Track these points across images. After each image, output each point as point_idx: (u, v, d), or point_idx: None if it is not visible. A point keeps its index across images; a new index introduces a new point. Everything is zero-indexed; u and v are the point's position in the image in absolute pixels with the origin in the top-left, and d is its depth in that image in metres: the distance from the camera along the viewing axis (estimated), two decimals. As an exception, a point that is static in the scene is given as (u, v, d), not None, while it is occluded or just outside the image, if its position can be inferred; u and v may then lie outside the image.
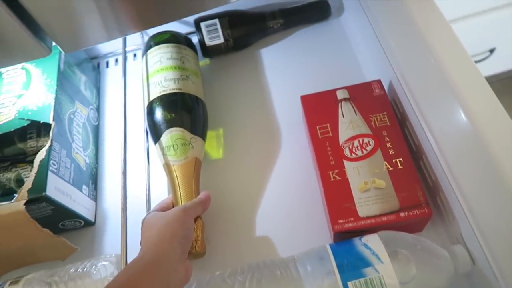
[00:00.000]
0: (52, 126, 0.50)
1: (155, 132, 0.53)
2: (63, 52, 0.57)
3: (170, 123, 0.52)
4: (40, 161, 0.48)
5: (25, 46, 0.38)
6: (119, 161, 0.60)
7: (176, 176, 0.50)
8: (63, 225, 0.53)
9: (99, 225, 0.56)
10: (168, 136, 0.52)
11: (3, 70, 0.56)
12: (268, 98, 0.62)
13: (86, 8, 0.36)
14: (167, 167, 0.52)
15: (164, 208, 0.48)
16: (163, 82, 0.55)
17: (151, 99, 0.55)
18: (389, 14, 0.51)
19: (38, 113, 0.51)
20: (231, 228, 0.53)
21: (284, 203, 0.53)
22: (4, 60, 0.40)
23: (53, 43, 0.39)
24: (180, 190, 0.50)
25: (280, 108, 0.60)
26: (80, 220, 0.54)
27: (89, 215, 0.55)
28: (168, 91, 0.54)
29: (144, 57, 0.60)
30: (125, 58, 0.59)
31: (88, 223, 0.55)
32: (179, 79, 0.55)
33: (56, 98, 0.53)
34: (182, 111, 0.53)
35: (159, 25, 0.53)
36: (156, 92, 0.55)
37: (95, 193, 0.59)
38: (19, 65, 0.56)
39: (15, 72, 0.56)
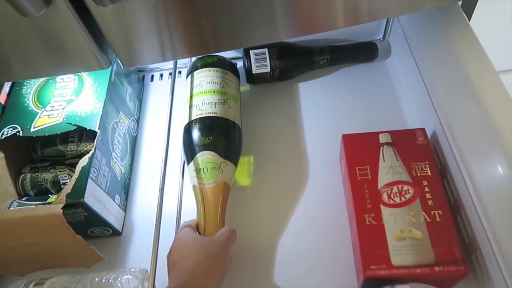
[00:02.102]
0: (98, 134, 0.52)
1: (188, 153, 0.54)
2: (115, 64, 0.60)
3: (202, 146, 0.53)
4: (82, 168, 0.49)
5: (89, 57, 0.39)
6: (152, 174, 0.62)
7: (203, 199, 0.51)
8: (91, 232, 0.54)
9: (126, 235, 0.57)
10: (200, 158, 0.52)
11: (57, 74, 0.59)
12: (305, 132, 0.62)
13: (149, 29, 0.38)
14: (195, 189, 0.52)
15: (196, 224, 0.49)
16: (201, 106, 0.56)
17: (189, 120, 0.56)
18: (439, 62, 0.51)
19: (85, 120, 0.53)
20: (255, 257, 0.53)
21: (311, 239, 0.52)
22: (67, 68, 0.42)
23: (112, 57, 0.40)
24: (204, 213, 0.50)
25: (316, 143, 0.61)
26: (108, 229, 0.54)
27: (117, 225, 0.56)
28: (205, 115, 0.55)
29: (189, 78, 0.61)
30: (174, 76, 0.61)
31: (116, 233, 0.56)
32: (216, 103, 0.56)
33: (104, 108, 0.54)
34: (215, 135, 0.54)
35: (211, 53, 0.55)
36: (194, 114, 0.56)
37: (125, 203, 0.59)
38: (73, 72, 0.59)
39: (68, 78, 0.58)
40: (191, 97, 0.58)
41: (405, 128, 0.53)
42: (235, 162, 0.55)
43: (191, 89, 0.59)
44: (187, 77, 0.62)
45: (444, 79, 0.50)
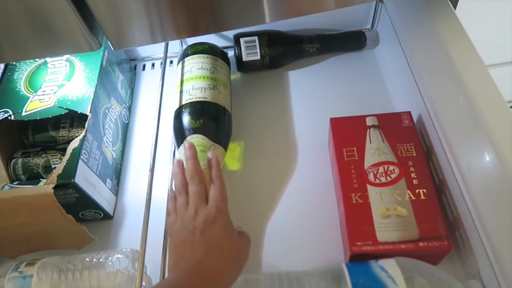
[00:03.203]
0: (89, 117, 0.52)
1: (178, 137, 0.55)
2: (107, 50, 0.60)
3: (192, 130, 0.54)
4: (73, 149, 0.49)
5: (79, 38, 0.40)
6: (143, 160, 0.62)
7: None
8: (83, 215, 0.55)
9: (117, 219, 0.57)
10: (189, 142, 0.53)
11: (48, 59, 0.59)
12: (294, 117, 0.63)
13: (139, 10, 0.38)
14: None
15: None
16: (191, 91, 0.57)
17: (179, 105, 0.57)
18: (425, 49, 0.52)
19: (76, 104, 0.53)
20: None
21: (300, 219, 0.53)
22: (58, 50, 0.42)
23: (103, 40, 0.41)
24: None
25: (305, 128, 0.62)
26: (100, 212, 0.55)
27: (109, 209, 0.56)
28: (194, 99, 0.56)
29: (179, 64, 0.62)
30: (165, 63, 0.62)
31: (107, 216, 0.56)
32: (206, 88, 0.57)
33: (95, 92, 0.55)
34: (205, 119, 0.55)
35: (200, 35, 0.55)
36: (184, 99, 0.57)
37: (117, 188, 0.60)
38: (64, 57, 0.59)
39: (59, 63, 0.59)
40: (181, 83, 0.59)
41: (392, 111, 0.54)
42: (224, 145, 0.56)
43: (182, 75, 0.60)
44: (178, 64, 0.63)
45: (429, 65, 0.52)
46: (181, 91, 0.58)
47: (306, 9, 0.40)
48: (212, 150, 0.53)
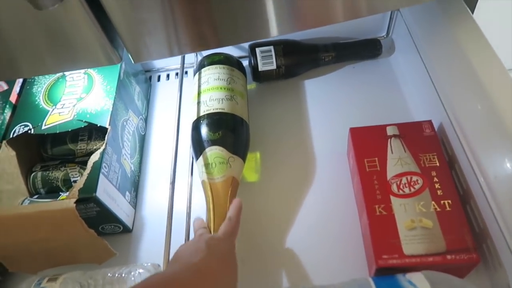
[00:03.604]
0: (108, 130, 0.52)
1: (197, 149, 0.55)
2: (124, 62, 0.61)
3: (211, 141, 0.54)
4: (94, 163, 0.49)
5: (101, 52, 0.40)
6: (160, 172, 0.62)
7: (212, 194, 0.51)
8: (102, 229, 0.55)
9: (136, 232, 0.57)
10: (208, 153, 0.53)
11: (67, 72, 0.59)
12: (311, 127, 0.63)
13: (158, 24, 0.39)
14: (204, 184, 0.52)
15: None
16: (208, 102, 0.57)
17: (196, 117, 0.57)
18: (445, 56, 0.52)
19: (95, 117, 0.54)
20: (265, 253, 0.53)
21: (320, 231, 0.53)
22: (78, 64, 0.42)
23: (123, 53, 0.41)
24: (213, 208, 0.50)
25: (323, 138, 0.61)
26: (119, 225, 0.55)
27: (128, 222, 0.56)
28: (212, 111, 0.56)
29: (196, 75, 0.62)
30: (182, 74, 0.62)
31: (126, 229, 0.56)
32: (223, 99, 0.57)
33: (114, 105, 0.55)
34: (223, 130, 0.54)
35: (215, 48, 0.56)
36: (201, 110, 0.57)
37: (135, 201, 0.60)
38: (82, 70, 0.59)
39: (78, 76, 0.59)
40: (198, 94, 0.59)
41: (410, 121, 0.53)
42: (243, 157, 0.55)
43: (199, 86, 0.60)
44: (194, 75, 0.63)
45: (450, 72, 0.51)
46: (198, 102, 0.58)
47: (318, 22, 0.40)
48: (231, 162, 0.53)
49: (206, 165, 0.52)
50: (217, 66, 0.61)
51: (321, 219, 0.54)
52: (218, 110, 0.56)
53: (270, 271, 0.51)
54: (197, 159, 0.55)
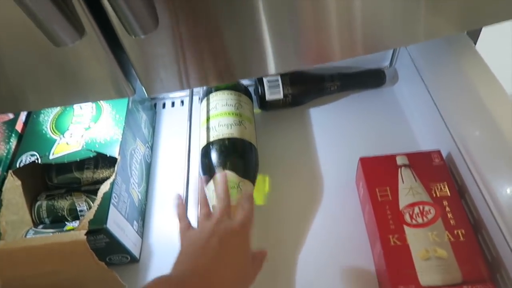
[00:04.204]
0: (118, 160, 0.52)
1: (207, 174, 0.55)
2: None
3: (220, 167, 0.54)
4: (104, 193, 0.49)
5: (115, 85, 0.40)
6: (167, 200, 0.62)
7: None
8: (110, 259, 0.53)
9: (144, 262, 0.56)
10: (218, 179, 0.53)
11: (75, 101, 0.59)
12: (319, 155, 0.63)
13: (174, 58, 0.39)
14: (214, 209, 0.52)
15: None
16: (217, 127, 0.58)
17: (205, 143, 0.57)
18: (451, 87, 0.53)
19: (104, 146, 0.53)
20: (274, 282, 0.52)
21: (331, 260, 0.52)
22: (91, 97, 0.42)
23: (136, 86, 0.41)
24: None
25: (330, 166, 0.62)
26: (127, 256, 0.54)
27: (135, 251, 0.55)
28: (221, 136, 0.57)
29: (204, 101, 0.63)
30: (191, 102, 0.62)
31: (134, 259, 0.55)
32: (232, 124, 0.58)
33: (123, 134, 0.55)
34: (233, 155, 0.55)
35: (224, 83, 0.56)
36: (211, 136, 0.57)
37: (142, 230, 0.59)
38: (91, 99, 0.59)
39: (85, 105, 0.59)
40: (207, 120, 0.59)
41: (416, 149, 0.54)
42: (252, 180, 0.56)
43: (207, 111, 0.60)
44: (201, 101, 0.63)
45: (456, 102, 0.52)
46: (207, 128, 0.58)
47: (314, 61, 0.40)
48: (241, 186, 0.53)
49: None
50: (225, 91, 0.62)
51: (331, 248, 0.53)
52: (228, 136, 0.57)
53: None
54: (207, 183, 0.55)
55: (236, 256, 0.40)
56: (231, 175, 0.53)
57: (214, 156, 0.55)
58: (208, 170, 0.55)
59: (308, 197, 0.59)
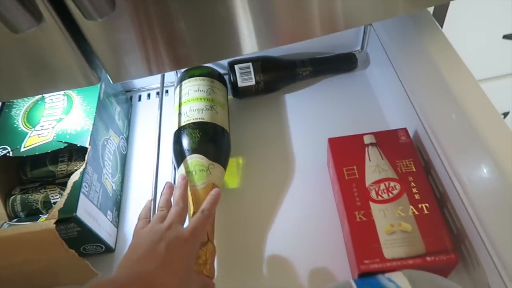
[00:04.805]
0: (88, 150, 0.52)
1: (178, 158, 0.56)
2: (103, 83, 0.61)
3: (191, 150, 0.55)
4: (74, 182, 0.49)
5: (79, 74, 0.40)
6: (142, 190, 0.62)
7: (193, 200, 0.52)
8: (84, 249, 0.54)
9: (119, 252, 0.56)
10: (189, 162, 0.54)
11: (46, 95, 0.59)
12: (292, 140, 0.64)
13: (136, 44, 0.39)
14: None
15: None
16: (188, 112, 0.59)
17: (178, 127, 0.58)
18: (417, 68, 0.54)
19: (75, 137, 0.54)
20: (247, 260, 0.53)
21: (303, 240, 0.53)
22: (57, 86, 0.42)
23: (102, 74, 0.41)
24: (194, 214, 0.51)
25: (303, 150, 0.62)
26: (101, 245, 0.54)
27: (110, 241, 0.55)
28: (192, 120, 0.58)
29: (177, 88, 0.64)
30: (162, 93, 0.63)
31: (109, 249, 0.55)
32: (203, 109, 0.59)
33: (94, 125, 0.55)
34: (203, 139, 0.56)
35: (194, 65, 0.56)
36: (182, 121, 0.58)
37: (117, 220, 0.59)
38: (62, 92, 0.60)
39: (57, 98, 0.59)
40: (179, 105, 0.60)
41: (388, 129, 0.55)
42: (223, 164, 0.56)
43: (180, 98, 0.61)
44: (175, 88, 0.64)
45: (422, 82, 0.53)
46: (179, 114, 0.60)
47: (296, 37, 0.41)
48: (211, 169, 0.54)
49: (187, 173, 0.54)
50: (197, 78, 0.63)
51: (304, 227, 0.54)
52: (198, 120, 0.58)
53: (252, 278, 0.51)
54: (178, 167, 0.56)
55: (181, 266, 0.40)
56: (200, 157, 0.54)
57: (184, 140, 0.56)
58: (179, 155, 0.56)
59: (281, 181, 0.59)
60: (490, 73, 0.94)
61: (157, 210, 0.48)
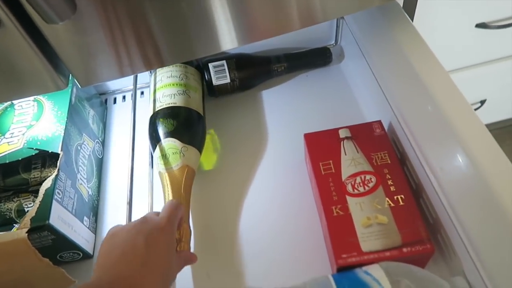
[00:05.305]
0: (60, 155, 0.51)
1: (153, 143, 0.57)
2: (75, 87, 0.60)
3: (164, 134, 0.56)
4: (46, 190, 0.48)
5: (45, 79, 0.39)
6: (120, 195, 0.61)
7: (167, 183, 0.53)
8: (61, 257, 0.53)
9: (98, 258, 0.55)
10: (162, 146, 0.55)
11: (15, 101, 0.58)
12: (270, 136, 0.64)
13: (103, 45, 0.38)
14: (160, 175, 0.54)
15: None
16: (161, 98, 0.59)
17: (152, 113, 0.59)
18: (388, 60, 0.54)
19: (47, 143, 0.52)
20: (222, 256, 0.53)
21: (283, 235, 0.53)
22: (23, 92, 0.41)
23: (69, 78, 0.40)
24: (168, 197, 0.52)
25: (281, 146, 0.62)
26: (79, 252, 0.53)
27: (88, 248, 0.54)
28: (165, 105, 0.58)
29: (151, 77, 0.64)
30: (135, 94, 0.62)
31: (87, 256, 0.54)
32: (175, 94, 0.59)
33: (66, 129, 0.54)
34: (175, 123, 0.57)
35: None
36: (156, 107, 0.59)
37: (95, 226, 0.58)
38: (32, 97, 0.58)
39: (27, 104, 0.58)
40: (153, 93, 0.61)
41: (364, 122, 0.55)
42: (198, 147, 0.57)
43: (154, 85, 0.62)
44: (150, 77, 0.65)
45: (394, 75, 0.53)
46: (153, 101, 0.60)
47: (270, 32, 0.41)
48: (184, 151, 0.54)
49: (161, 157, 0.55)
50: (171, 65, 0.63)
51: (283, 223, 0.54)
52: (171, 105, 0.58)
53: (228, 271, 0.51)
54: (154, 151, 0.56)
55: (163, 255, 0.40)
56: (173, 141, 0.55)
57: (157, 125, 0.57)
58: (153, 139, 0.57)
59: (259, 178, 0.59)
60: (466, 62, 0.96)
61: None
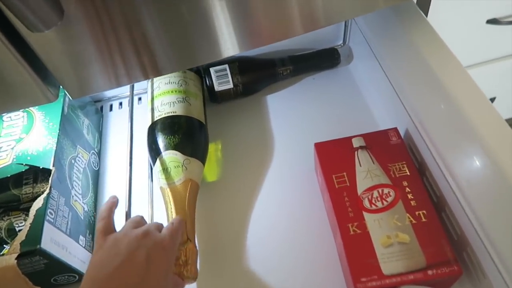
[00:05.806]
0: (52, 172, 0.47)
1: (152, 156, 0.53)
2: (67, 96, 0.56)
3: (164, 147, 0.52)
4: (37, 210, 0.44)
5: (34, 91, 0.36)
6: (118, 209, 0.57)
7: (169, 200, 0.49)
8: (55, 280, 0.49)
9: (95, 279, 0.52)
10: (162, 159, 0.51)
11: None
12: (276, 144, 0.60)
13: (94, 54, 0.35)
14: (162, 190, 0.51)
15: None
16: (160, 107, 0.55)
17: (150, 123, 0.55)
18: (403, 60, 0.50)
19: (38, 158, 0.49)
20: (230, 277, 0.49)
21: (294, 252, 0.50)
22: (12, 105, 0.39)
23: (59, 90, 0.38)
24: (172, 213, 0.48)
25: (288, 155, 0.59)
26: (74, 275, 0.49)
27: (84, 269, 0.50)
28: (164, 115, 0.54)
29: (148, 84, 0.60)
30: (132, 102, 0.58)
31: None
32: (174, 102, 0.55)
33: (58, 143, 0.50)
34: (176, 134, 0.53)
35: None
36: (154, 116, 0.55)
37: (92, 244, 0.55)
38: (21, 108, 0.54)
39: (15, 115, 0.54)
40: (151, 100, 0.57)
41: (376, 129, 0.51)
42: (201, 158, 0.53)
43: (151, 92, 0.58)
44: (148, 84, 0.61)
45: (409, 76, 0.50)
46: (151, 109, 0.56)
47: (275, 37, 0.38)
48: (186, 164, 0.50)
49: (162, 170, 0.51)
50: None
51: (292, 240, 0.51)
52: (170, 114, 0.54)
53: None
54: (154, 164, 0.53)
55: (163, 275, 0.38)
56: (174, 153, 0.51)
57: (157, 136, 0.53)
58: (153, 152, 0.53)
59: (267, 189, 0.56)
60: (475, 59, 0.92)
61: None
